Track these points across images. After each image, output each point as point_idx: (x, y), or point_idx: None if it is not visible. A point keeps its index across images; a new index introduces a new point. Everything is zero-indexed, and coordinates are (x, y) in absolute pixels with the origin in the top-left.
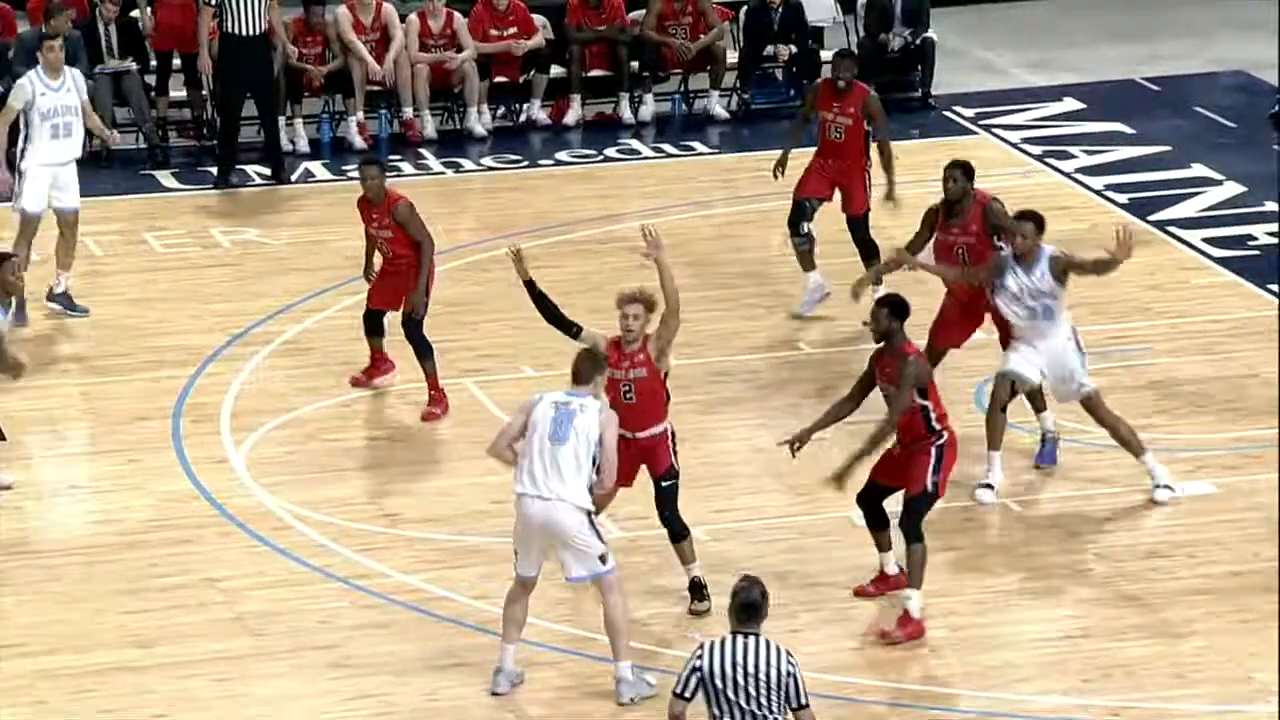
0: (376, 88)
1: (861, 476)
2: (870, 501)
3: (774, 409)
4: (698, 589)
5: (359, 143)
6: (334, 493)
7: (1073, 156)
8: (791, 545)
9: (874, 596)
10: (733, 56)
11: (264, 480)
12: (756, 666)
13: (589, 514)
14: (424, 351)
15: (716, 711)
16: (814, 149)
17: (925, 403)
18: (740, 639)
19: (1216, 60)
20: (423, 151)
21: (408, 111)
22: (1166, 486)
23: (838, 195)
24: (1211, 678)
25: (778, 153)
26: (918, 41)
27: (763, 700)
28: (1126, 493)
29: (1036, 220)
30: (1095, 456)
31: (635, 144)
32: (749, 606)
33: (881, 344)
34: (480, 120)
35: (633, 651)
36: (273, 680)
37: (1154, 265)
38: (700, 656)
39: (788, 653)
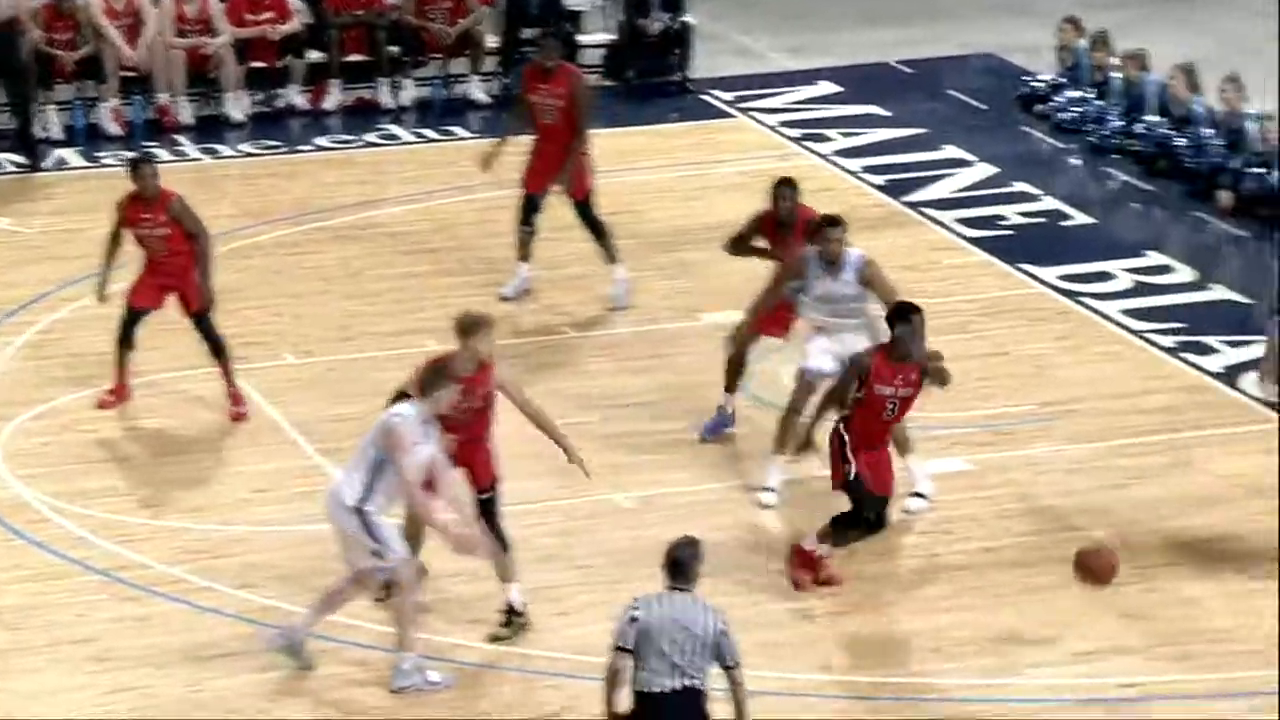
0: (130, 73)
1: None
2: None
3: (538, 392)
4: (509, 616)
5: (113, 129)
6: (92, 484)
7: (829, 139)
8: (557, 528)
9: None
10: (493, 41)
11: (20, 472)
12: (692, 621)
13: (359, 512)
14: (219, 347)
15: (645, 664)
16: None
17: None
18: (677, 594)
19: (966, 44)
20: (179, 138)
21: (163, 97)
22: (920, 495)
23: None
24: (968, 651)
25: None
26: (676, 26)
27: (693, 657)
28: None
29: (843, 224)
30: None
31: (395, 129)
32: (677, 563)
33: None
34: (237, 106)
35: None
36: (30, 675)
37: (908, 246)
38: (638, 608)
39: (719, 612)
